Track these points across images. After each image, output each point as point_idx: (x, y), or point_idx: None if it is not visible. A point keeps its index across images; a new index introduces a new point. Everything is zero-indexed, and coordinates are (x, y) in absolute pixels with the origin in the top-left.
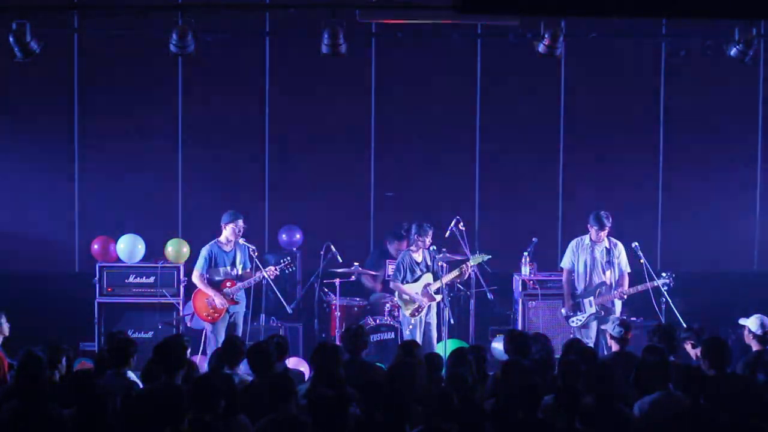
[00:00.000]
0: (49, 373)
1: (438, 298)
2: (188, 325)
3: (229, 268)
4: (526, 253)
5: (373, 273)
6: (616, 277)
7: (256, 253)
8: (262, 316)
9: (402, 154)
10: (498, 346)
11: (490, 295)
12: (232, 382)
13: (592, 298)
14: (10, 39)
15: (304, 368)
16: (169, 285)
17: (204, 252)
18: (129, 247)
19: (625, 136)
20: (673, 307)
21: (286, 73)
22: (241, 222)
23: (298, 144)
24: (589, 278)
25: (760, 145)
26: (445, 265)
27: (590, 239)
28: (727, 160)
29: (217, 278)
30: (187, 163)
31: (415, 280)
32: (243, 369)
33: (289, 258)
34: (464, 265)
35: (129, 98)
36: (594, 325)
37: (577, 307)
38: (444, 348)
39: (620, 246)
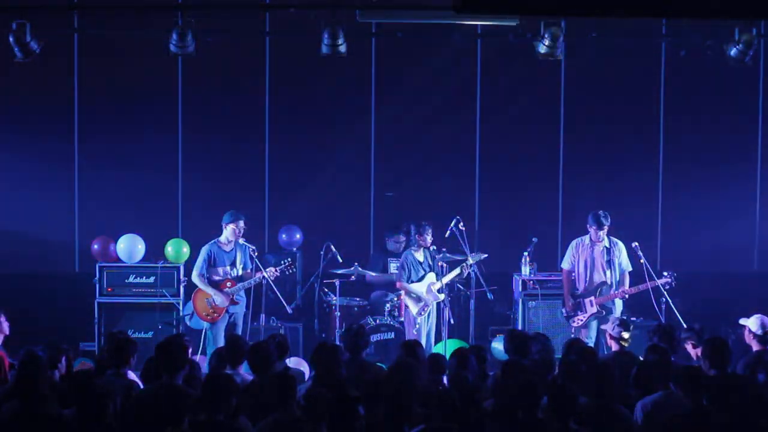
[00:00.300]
0: (49, 373)
1: (441, 297)
2: (188, 324)
3: (228, 268)
4: (526, 253)
5: (373, 273)
6: (617, 277)
7: (256, 254)
8: (262, 316)
9: (402, 154)
10: (498, 346)
11: (490, 295)
12: (235, 382)
13: (592, 297)
14: (10, 39)
15: (304, 368)
16: (169, 285)
17: (203, 252)
18: (129, 247)
19: (625, 135)
20: (673, 307)
21: (286, 73)
22: (242, 223)
23: (298, 144)
24: (590, 278)
25: (760, 145)
26: (445, 265)
27: (590, 239)
28: (727, 160)
29: (216, 278)
30: (187, 163)
31: (419, 280)
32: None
33: (289, 259)
34: (464, 264)
35: (129, 98)
36: (594, 324)
37: (577, 307)
38: (444, 348)
39: (620, 245)
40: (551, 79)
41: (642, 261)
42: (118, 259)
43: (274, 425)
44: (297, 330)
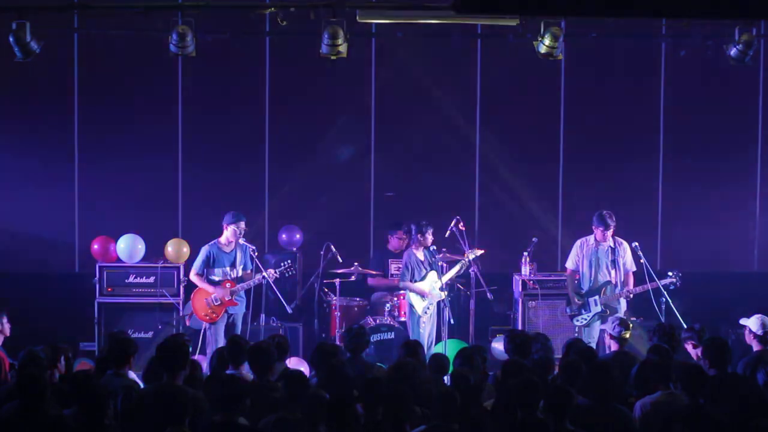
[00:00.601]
0: (49, 373)
1: (444, 294)
2: (187, 324)
3: (228, 268)
4: (526, 253)
5: (374, 273)
6: (622, 277)
7: (256, 254)
8: (262, 316)
9: (402, 154)
10: (498, 346)
11: (489, 295)
12: (248, 383)
13: (597, 297)
14: (10, 39)
15: (304, 368)
16: (169, 285)
17: (203, 252)
18: (129, 247)
19: (625, 135)
20: (673, 307)
21: (286, 73)
22: (243, 224)
23: (298, 144)
24: (594, 278)
25: (760, 145)
26: (444, 264)
27: (595, 239)
28: (727, 161)
29: (215, 279)
30: (187, 163)
31: (422, 279)
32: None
33: (289, 261)
34: (463, 261)
35: (129, 98)
36: (597, 324)
37: (582, 306)
38: (444, 348)
39: (625, 245)
40: (551, 79)
41: (642, 261)
42: (118, 259)
43: (277, 424)
44: (297, 330)
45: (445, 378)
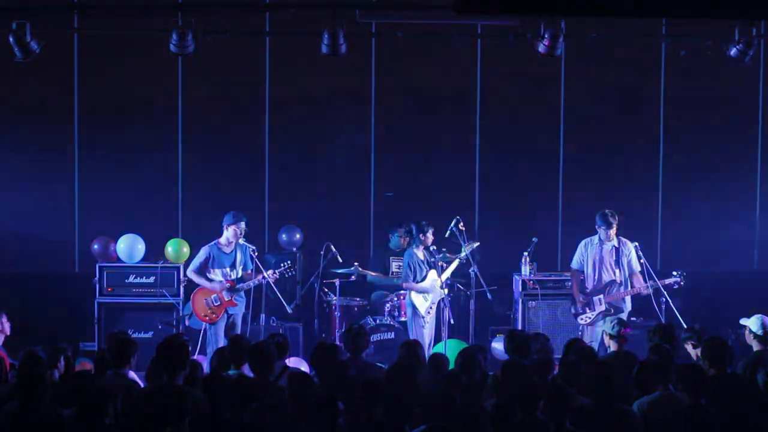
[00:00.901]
0: (49, 373)
1: (445, 292)
2: (186, 324)
3: (228, 269)
4: (526, 253)
5: (374, 273)
6: (626, 276)
7: (256, 254)
8: (262, 316)
9: (402, 154)
10: (498, 346)
11: (489, 295)
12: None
13: (601, 296)
14: (10, 39)
15: (305, 368)
16: (169, 285)
17: (202, 252)
18: (129, 247)
19: (625, 135)
20: (673, 307)
21: (286, 73)
22: (243, 224)
23: (298, 143)
24: (598, 277)
25: (760, 145)
26: (444, 264)
27: (599, 239)
28: (727, 160)
29: (215, 280)
30: (187, 162)
31: (423, 278)
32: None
33: (289, 262)
34: (460, 255)
35: (128, 98)
36: (601, 323)
37: (587, 305)
38: (444, 348)
39: (630, 245)
40: (551, 79)
41: (642, 261)
42: (118, 259)
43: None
44: (297, 330)
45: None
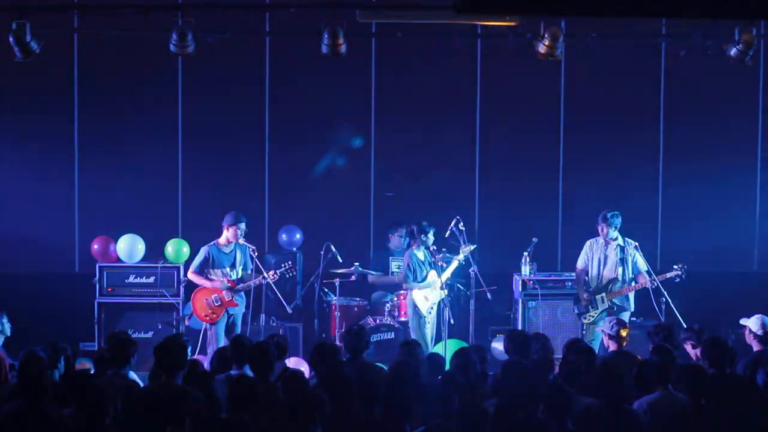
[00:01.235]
0: (49, 373)
1: (445, 292)
2: (186, 324)
3: (228, 269)
4: (526, 253)
5: (374, 273)
6: (630, 275)
7: (256, 253)
8: (262, 316)
9: (402, 154)
10: (498, 346)
11: (489, 295)
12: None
13: (604, 294)
14: (10, 39)
15: (304, 368)
16: (169, 285)
17: (202, 252)
18: (129, 247)
19: (625, 136)
20: (673, 307)
21: (286, 73)
22: (243, 225)
23: (298, 143)
24: (602, 276)
25: (760, 145)
26: (443, 264)
27: (604, 239)
28: (728, 160)
29: (214, 280)
30: (187, 162)
31: (423, 279)
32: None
33: (290, 262)
34: (458, 256)
35: (129, 98)
36: (602, 323)
37: (590, 304)
38: (444, 348)
39: (635, 245)
40: (551, 79)
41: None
42: (118, 259)
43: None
44: (297, 330)
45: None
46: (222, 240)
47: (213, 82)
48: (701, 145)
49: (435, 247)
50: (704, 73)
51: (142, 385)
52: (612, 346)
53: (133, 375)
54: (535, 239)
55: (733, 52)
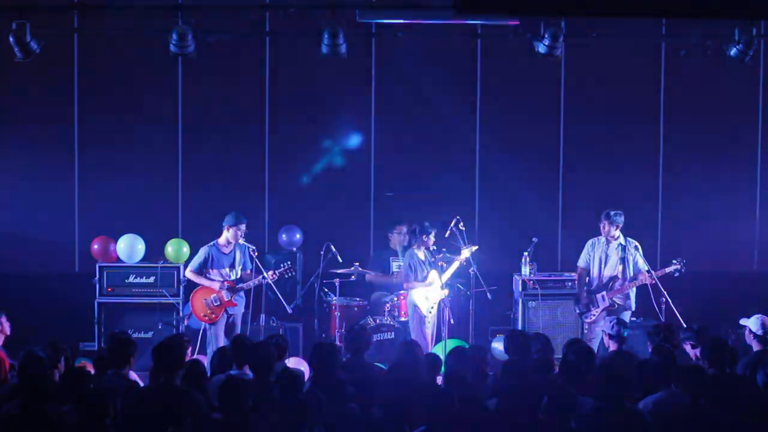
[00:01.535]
0: (49, 373)
1: (446, 292)
2: (185, 324)
3: (227, 269)
4: (526, 253)
5: (372, 273)
6: (631, 273)
7: (255, 254)
8: (262, 316)
9: (402, 154)
10: (498, 346)
11: (489, 295)
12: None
13: (605, 292)
14: (10, 39)
15: (304, 368)
16: (169, 285)
17: (201, 253)
18: (129, 247)
19: (624, 136)
20: (673, 307)
21: (286, 73)
22: (243, 226)
23: (298, 143)
24: (603, 275)
25: (760, 145)
26: (444, 264)
27: (605, 238)
28: (727, 161)
29: (213, 280)
30: (187, 163)
31: (424, 278)
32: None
33: (289, 263)
34: (460, 257)
35: (129, 98)
36: (602, 322)
37: (591, 303)
38: (444, 348)
39: (636, 244)
40: (551, 79)
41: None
42: (118, 259)
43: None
44: (297, 330)
45: (439, 377)
46: (222, 240)
47: (213, 82)
48: (701, 145)
49: (435, 248)
50: (704, 73)
51: (142, 385)
52: (612, 346)
53: (133, 375)
54: (535, 239)
55: (733, 52)
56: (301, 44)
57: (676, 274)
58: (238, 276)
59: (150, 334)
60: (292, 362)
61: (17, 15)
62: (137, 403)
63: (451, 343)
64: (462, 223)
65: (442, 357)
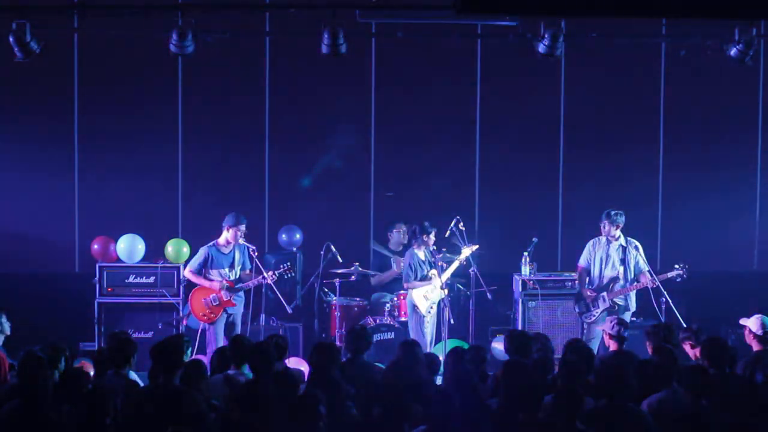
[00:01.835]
0: (49, 373)
1: (445, 292)
2: (184, 323)
3: (227, 270)
4: (526, 253)
5: (374, 273)
6: (632, 274)
7: (255, 253)
8: (262, 316)
9: (402, 154)
10: (498, 346)
11: (489, 295)
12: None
13: (605, 293)
14: (10, 39)
15: (304, 368)
16: (169, 285)
17: (201, 253)
18: (129, 247)
19: (624, 136)
20: (673, 307)
21: (286, 73)
22: (243, 227)
23: (298, 144)
24: (604, 274)
25: (760, 145)
26: (444, 264)
27: (606, 238)
28: (727, 160)
29: (213, 280)
30: (187, 163)
31: (424, 278)
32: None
33: (288, 263)
34: (460, 257)
35: (129, 98)
36: (603, 322)
37: (591, 303)
38: (444, 348)
39: (637, 244)
40: (551, 79)
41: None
42: (118, 259)
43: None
44: (297, 330)
45: (439, 378)
46: (221, 240)
47: (213, 82)
48: (701, 145)
49: (435, 247)
50: (704, 73)
51: (142, 385)
52: (613, 346)
53: (133, 375)
54: (535, 239)
55: (733, 52)
56: (301, 44)
57: (678, 280)
58: (238, 276)
59: (150, 334)
60: (292, 362)
61: (17, 15)
62: (137, 403)
63: (451, 343)
64: (462, 223)
65: (441, 357)
